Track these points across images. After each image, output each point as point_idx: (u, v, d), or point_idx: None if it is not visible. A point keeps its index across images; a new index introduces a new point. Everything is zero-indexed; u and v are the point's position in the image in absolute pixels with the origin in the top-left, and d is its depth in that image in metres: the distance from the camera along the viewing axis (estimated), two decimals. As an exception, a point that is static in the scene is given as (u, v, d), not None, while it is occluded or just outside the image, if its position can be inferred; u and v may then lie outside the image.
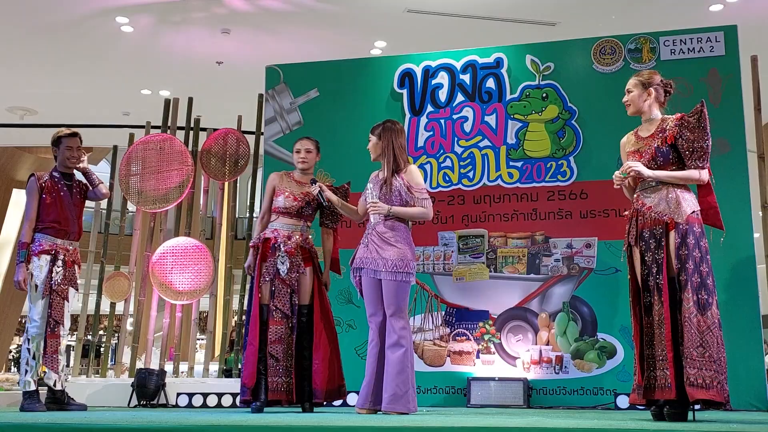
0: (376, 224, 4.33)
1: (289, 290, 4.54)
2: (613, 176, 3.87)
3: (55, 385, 4.90)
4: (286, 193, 4.65)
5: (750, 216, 5.43)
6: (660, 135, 3.79)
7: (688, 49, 5.73)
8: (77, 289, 5.05)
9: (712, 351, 3.48)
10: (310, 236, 4.75)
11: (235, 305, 7.14)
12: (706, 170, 3.75)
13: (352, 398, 5.52)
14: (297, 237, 4.63)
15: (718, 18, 7.35)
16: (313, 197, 4.62)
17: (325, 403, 4.59)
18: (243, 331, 4.70)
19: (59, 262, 4.90)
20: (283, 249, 4.54)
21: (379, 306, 4.28)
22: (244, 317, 4.72)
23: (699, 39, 5.73)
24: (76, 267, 5.04)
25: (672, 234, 3.66)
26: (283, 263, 4.51)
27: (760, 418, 4.14)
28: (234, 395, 5.79)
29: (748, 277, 5.35)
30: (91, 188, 5.12)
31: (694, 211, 3.69)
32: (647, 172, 3.75)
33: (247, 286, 4.79)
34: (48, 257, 4.88)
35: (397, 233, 4.27)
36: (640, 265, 3.77)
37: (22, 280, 4.83)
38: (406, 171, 4.35)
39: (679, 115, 3.81)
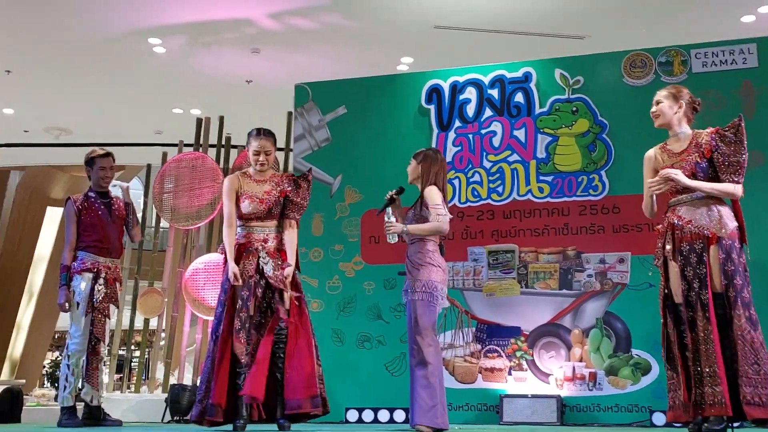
0: (408, 248, 4.37)
1: (277, 291, 4.29)
2: (648, 183, 3.83)
3: (92, 401, 4.93)
4: (250, 198, 4.39)
5: (786, 229, 5.33)
6: (696, 150, 3.74)
7: (720, 61, 5.67)
8: (118, 307, 5.09)
9: (766, 368, 3.42)
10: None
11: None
12: (741, 185, 3.70)
13: (367, 415, 5.61)
14: (272, 239, 4.42)
15: (750, 29, 7.27)
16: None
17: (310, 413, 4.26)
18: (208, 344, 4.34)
19: (101, 280, 4.95)
20: (263, 251, 4.32)
21: None
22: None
23: (731, 51, 5.66)
24: (117, 284, 5.08)
25: (713, 249, 3.61)
26: (266, 263, 4.30)
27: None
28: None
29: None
30: (126, 228, 5.17)
31: (735, 227, 3.64)
32: (686, 180, 3.69)
33: (217, 297, 4.45)
34: (90, 275, 4.93)
35: (423, 255, 4.27)
36: (678, 281, 3.70)
37: (65, 303, 4.90)
38: (425, 191, 4.36)
39: (714, 128, 3.76)
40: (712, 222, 3.65)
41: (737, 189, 3.70)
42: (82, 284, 4.90)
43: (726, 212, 3.68)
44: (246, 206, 4.38)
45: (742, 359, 3.45)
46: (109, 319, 4.99)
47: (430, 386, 4.07)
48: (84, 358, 4.89)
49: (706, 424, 3.48)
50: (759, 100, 5.52)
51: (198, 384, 4.32)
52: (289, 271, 4.35)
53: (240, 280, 4.24)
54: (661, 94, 3.92)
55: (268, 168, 4.52)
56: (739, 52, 5.63)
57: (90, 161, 5.14)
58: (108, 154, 5.16)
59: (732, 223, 3.65)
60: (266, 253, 4.32)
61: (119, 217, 5.15)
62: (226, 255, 4.37)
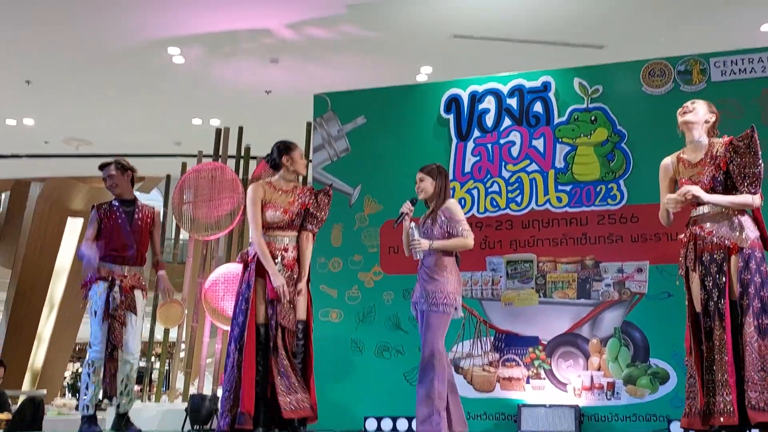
0: (423, 259, 4.43)
1: (290, 305, 4.36)
2: (667, 199, 3.86)
3: (119, 408, 5.00)
4: (275, 207, 4.44)
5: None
6: (711, 161, 3.78)
7: (740, 69, 5.65)
8: (136, 314, 5.03)
9: None
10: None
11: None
12: (759, 195, 3.71)
13: (386, 424, 5.61)
14: (292, 249, 4.47)
15: (769, 38, 7.25)
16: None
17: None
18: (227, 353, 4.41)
19: (116, 288, 4.98)
20: (281, 263, 4.37)
21: None
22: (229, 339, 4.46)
23: (750, 59, 5.64)
24: (137, 292, 5.08)
25: (734, 258, 3.64)
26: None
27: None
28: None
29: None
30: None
31: (756, 236, 3.65)
32: (706, 196, 3.72)
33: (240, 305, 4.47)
34: (105, 284, 4.97)
35: (440, 267, 4.36)
36: (699, 290, 3.73)
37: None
38: (445, 206, 4.49)
39: (728, 139, 3.79)
40: (734, 233, 3.67)
41: (755, 200, 3.73)
42: (98, 293, 4.94)
43: (747, 222, 3.71)
44: (271, 215, 4.42)
45: (749, 365, 3.50)
46: (126, 326, 4.96)
47: (428, 396, 4.19)
48: (102, 366, 4.93)
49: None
50: (779, 109, 5.49)
51: (222, 393, 4.35)
52: (301, 286, 4.44)
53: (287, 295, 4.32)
54: (697, 101, 4.01)
55: (295, 179, 4.61)
56: (758, 60, 5.61)
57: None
58: (105, 165, 5.19)
59: (753, 233, 3.66)
60: (283, 264, 4.37)
61: (142, 226, 5.17)
62: (245, 261, 4.45)
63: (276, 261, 4.35)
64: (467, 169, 6.13)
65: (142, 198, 5.46)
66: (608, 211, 5.76)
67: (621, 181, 5.78)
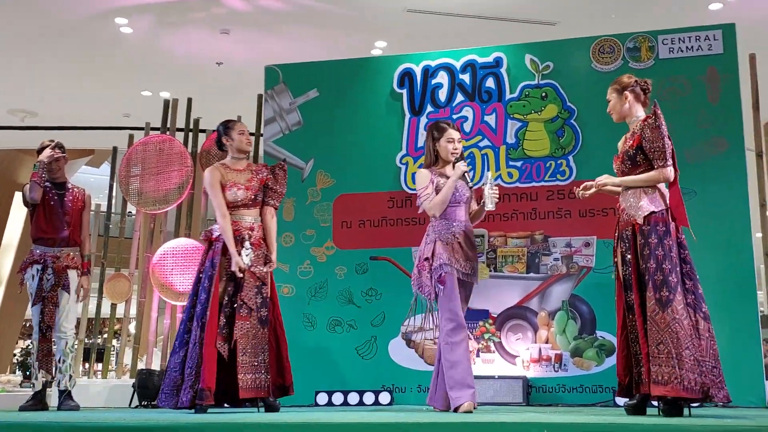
0: (465, 224, 4.39)
1: (258, 283, 4.43)
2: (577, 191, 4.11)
3: (59, 385, 4.98)
4: (237, 186, 4.50)
5: (748, 215, 5.43)
6: (631, 138, 3.90)
7: (687, 47, 5.73)
8: (69, 292, 5.01)
9: (671, 347, 3.56)
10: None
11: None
12: (669, 168, 3.77)
13: (337, 398, 5.62)
14: (257, 228, 4.54)
15: (717, 17, 7.34)
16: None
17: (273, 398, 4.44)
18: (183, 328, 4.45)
19: (49, 270, 4.98)
20: (248, 241, 4.42)
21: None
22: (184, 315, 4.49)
23: (697, 37, 5.72)
24: (71, 272, 5.05)
25: (638, 234, 3.78)
26: (247, 255, 4.38)
27: (755, 414, 4.15)
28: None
29: (746, 276, 5.36)
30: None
31: (655, 211, 3.74)
32: (610, 181, 3.95)
33: (198, 282, 4.51)
34: (39, 266, 4.98)
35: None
36: (621, 266, 3.89)
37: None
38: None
39: (645, 116, 3.88)
40: (635, 209, 3.80)
41: (663, 173, 3.79)
42: (31, 275, 4.98)
43: (652, 198, 3.79)
44: (232, 194, 4.48)
45: (650, 339, 3.62)
46: (59, 307, 4.98)
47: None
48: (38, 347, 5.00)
49: (660, 403, 3.64)
50: (723, 87, 5.59)
51: (171, 367, 4.37)
52: (272, 263, 4.52)
53: (242, 272, 4.35)
54: (609, 92, 4.09)
55: (245, 157, 4.66)
56: (705, 38, 5.70)
57: (40, 152, 5.12)
58: (57, 146, 5.10)
59: (652, 207, 3.74)
60: (251, 242, 4.42)
61: (74, 209, 5.15)
62: (210, 240, 4.51)
63: (245, 243, 4.40)
64: (420, 143, 6.12)
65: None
66: (557, 187, 5.82)
67: (570, 157, 5.84)
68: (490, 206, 4.29)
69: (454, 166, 4.36)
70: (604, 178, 4.01)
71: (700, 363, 3.56)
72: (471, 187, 4.48)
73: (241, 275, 4.36)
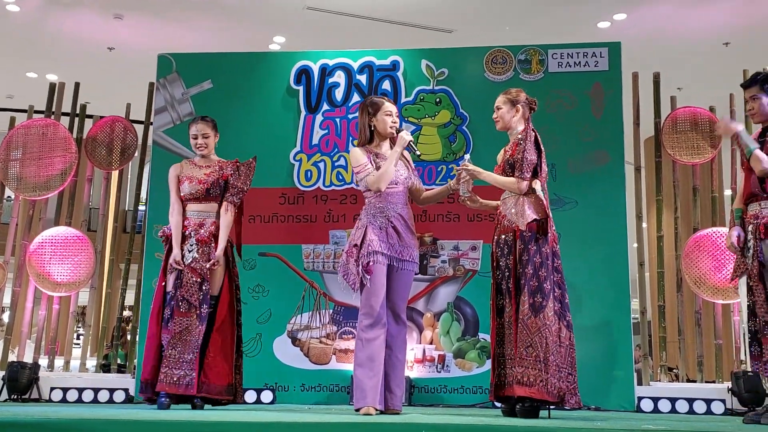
0: (402, 207, 4.11)
1: (199, 279, 4.37)
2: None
3: None
4: (189, 179, 4.54)
5: (625, 225, 5.70)
6: (510, 149, 4.05)
7: (575, 62, 5.97)
8: None
9: (539, 351, 3.72)
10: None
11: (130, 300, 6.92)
12: (525, 183, 3.94)
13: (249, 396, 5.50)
14: (209, 225, 4.50)
15: (605, 35, 7.71)
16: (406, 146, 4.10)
17: (222, 400, 4.43)
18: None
19: None
20: (194, 237, 4.42)
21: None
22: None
23: (585, 53, 5.97)
24: None
25: (518, 240, 3.91)
26: (190, 251, 4.40)
27: (624, 416, 4.36)
28: (111, 391, 5.64)
29: (621, 285, 5.62)
30: None
31: (537, 219, 3.89)
32: (482, 173, 4.06)
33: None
34: None
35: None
36: (496, 270, 4.02)
37: None
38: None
39: (523, 128, 4.03)
40: (516, 216, 3.93)
41: (520, 184, 3.95)
42: None
43: (529, 205, 3.94)
44: (185, 187, 4.51)
45: (519, 342, 3.77)
46: None
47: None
48: None
49: (519, 404, 3.75)
50: (607, 102, 5.86)
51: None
52: (217, 254, 4.41)
53: (182, 266, 4.38)
54: (500, 100, 4.19)
55: (210, 153, 4.69)
56: (591, 54, 5.95)
57: None
58: None
59: (533, 216, 3.89)
60: (197, 240, 4.42)
61: None
62: (167, 238, 4.52)
63: (191, 239, 4.42)
64: (315, 141, 6.12)
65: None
66: (448, 191, 5.92)
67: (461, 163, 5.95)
68: (464, 191, 4.09)
69: (393, 141, 4.11)
70: (473, 167, 4.06)
71: (560, 369, 3.74)
72: (412, 165, 4.28)
73: (179, 269, 4.38)
